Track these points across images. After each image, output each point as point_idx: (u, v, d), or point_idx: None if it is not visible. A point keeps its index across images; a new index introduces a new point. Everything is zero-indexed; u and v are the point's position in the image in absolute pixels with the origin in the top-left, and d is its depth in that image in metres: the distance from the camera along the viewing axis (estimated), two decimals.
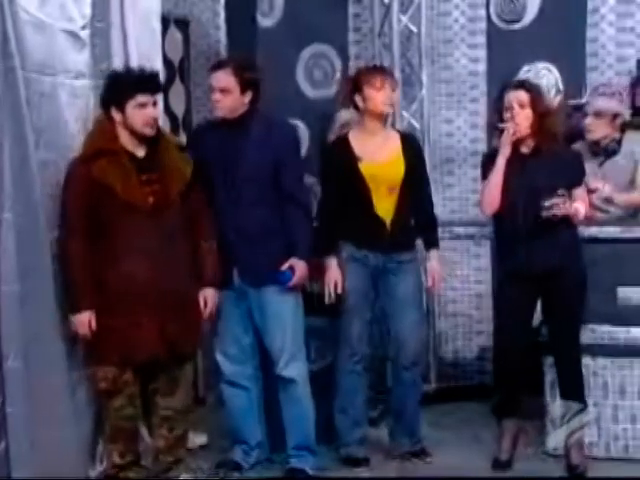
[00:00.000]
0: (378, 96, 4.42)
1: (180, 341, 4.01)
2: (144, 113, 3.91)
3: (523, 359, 4.38)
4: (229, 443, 4.54)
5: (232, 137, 4.22)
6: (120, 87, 3.92)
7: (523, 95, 4.29)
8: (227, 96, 4.19)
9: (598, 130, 4.81)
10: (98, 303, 3.86)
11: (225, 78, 4.19)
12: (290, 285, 4.22)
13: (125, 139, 3.93)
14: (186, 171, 4.04)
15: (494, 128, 4.44)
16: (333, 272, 4.45)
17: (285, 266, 4.20)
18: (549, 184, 4.20)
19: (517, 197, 4.26)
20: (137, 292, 3.87)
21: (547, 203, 4.14)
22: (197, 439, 4.74)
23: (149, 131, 3.95)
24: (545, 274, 4.28)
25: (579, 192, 4.33)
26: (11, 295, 3.61)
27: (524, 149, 4.34)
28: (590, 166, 4.62)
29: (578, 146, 4.85)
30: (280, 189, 4.24)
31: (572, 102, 5.28)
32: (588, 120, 4.83)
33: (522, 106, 4.27)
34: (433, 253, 4.56)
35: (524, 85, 4.40)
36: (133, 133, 3.93)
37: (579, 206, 4.25)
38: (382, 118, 4.50)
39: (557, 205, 4.15)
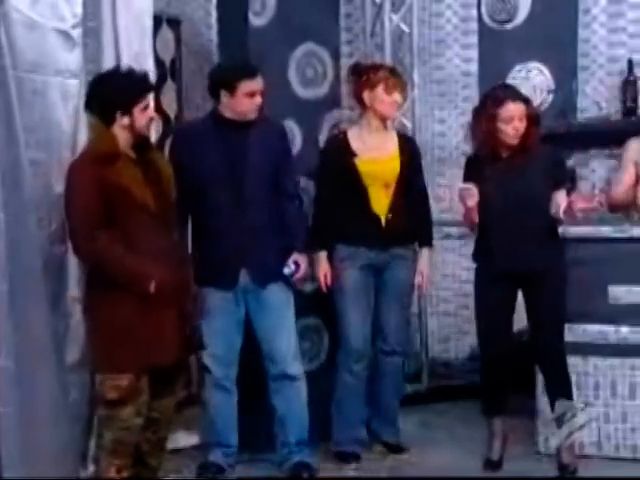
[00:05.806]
0: (389, 99, 4.47)
1: (194, 341, 3.99)
2: (147, 114, 3.83)
3: (506, 358, 4.37)
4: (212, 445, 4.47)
5: (235, 137, 4.24)
6: (128, 90, 3.77)
7: (522, 108, 4.24)
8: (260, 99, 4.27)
9: None
10: (120, 306, 3.73)
11: (262, 82, 4.27)
12: (296, 278, 4.30)
13: (124, 142, 3.78)
14: (170, 171, 3.97)
15: (473, 129, 4.42)
16: (323, 266, 4.50)
17: (290, 260, 4.27)
18: (533, 185, 4.21)
19: (500, 199, 4.25)
20: (160, 294, 3.73)
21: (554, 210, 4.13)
22: (189, 439, 4.72)
23: (148, 132, 3.90)
24: (527, 274, 4.27)
25: (557, 193, 4.23)
26: (1, 295, 3.61)
27: (505, 153, 4.32)
28: None
29: None
30: (278, 187, 4.31)
31: None
32: None
33: (521, 119, 4.24)
34: (424, 252, 4.61)
35: (521, 97, 4.33)
36: (133, 136, 3.80)
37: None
38: (386, 119, 4.55)
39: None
